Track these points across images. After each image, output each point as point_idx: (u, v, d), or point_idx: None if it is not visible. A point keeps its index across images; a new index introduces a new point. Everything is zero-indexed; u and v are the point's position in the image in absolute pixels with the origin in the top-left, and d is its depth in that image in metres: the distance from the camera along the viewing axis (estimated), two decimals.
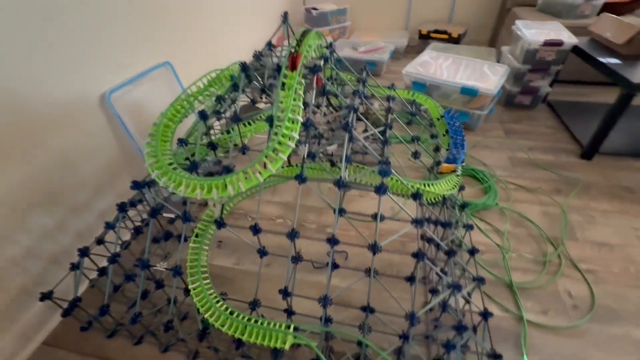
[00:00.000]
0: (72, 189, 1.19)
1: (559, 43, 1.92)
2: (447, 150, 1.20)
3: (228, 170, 0.84)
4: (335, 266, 0.90)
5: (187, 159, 0.97)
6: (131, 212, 1.09)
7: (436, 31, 3.05)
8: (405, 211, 0.85)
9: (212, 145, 1.00)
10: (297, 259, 0.90)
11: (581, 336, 1.06)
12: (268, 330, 0.79)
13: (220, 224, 0.87)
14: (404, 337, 0.77)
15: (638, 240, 1.36)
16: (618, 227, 1.42)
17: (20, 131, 0.99)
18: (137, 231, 1.04)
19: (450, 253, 0.89)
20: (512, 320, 1.11)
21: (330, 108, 1.29)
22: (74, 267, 1.00)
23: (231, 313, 0.85)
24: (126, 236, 1.20)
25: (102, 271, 1.04)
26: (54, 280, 1.04)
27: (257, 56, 1.05)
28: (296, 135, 0.80)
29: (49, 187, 1.10)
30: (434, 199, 1.04)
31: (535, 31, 2.04)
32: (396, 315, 0.87)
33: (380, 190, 0.80)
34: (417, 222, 0.81)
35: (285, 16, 1.04)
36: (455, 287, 0.82)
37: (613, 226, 1.42)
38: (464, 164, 1.16)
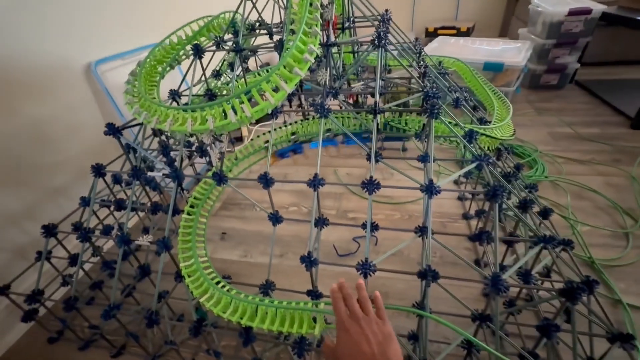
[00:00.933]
0: (48, 169, 1.00)
1: (586, 11, 1.77)
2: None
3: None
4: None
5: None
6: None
7: (443, 27, 2.97)
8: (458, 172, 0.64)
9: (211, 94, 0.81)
10: (322, 221, 0.68)
11: None
12: (289, 310, 0.55)
13: (220, 177, 0.66)
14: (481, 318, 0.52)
15: None
16: None
17: None
18: (119, 205, 0.83)
19: (526, 203, 0.66)
20: (604, 305, 0.84)
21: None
22: (40, 254, 0.79)
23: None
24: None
25: (74, 259, 0.82)
26: (21, 277, 0.82)
27: None
28: (316, 49, 0.61)
29: (17, 163, 0.91)
30: (489, 148, 0.83)
31: (556, 4, 1.91)
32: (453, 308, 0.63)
33: (432, 116, 0.60)
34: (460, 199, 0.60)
35: None
36: (546, 241, 0.59)
37: None
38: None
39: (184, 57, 0.85)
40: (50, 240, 0.81)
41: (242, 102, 0.58)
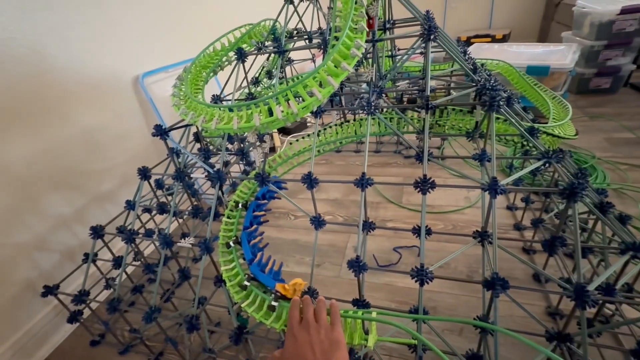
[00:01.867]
0: (97, 175, 1.04)
1: None
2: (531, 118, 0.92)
3: None
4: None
5: None
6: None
7: (477, 36, 2.89)
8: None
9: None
10: (369, 224, 0.63)
11: None
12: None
13: (263, 178, 0.65)
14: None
15: None
16: None
17: (42, 99, 0.88)
18: (162, 209, 0.84)
19: (603, 206, 0.58)
20: None
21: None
22: (87, 256, 0.80)
23: (277, 299, 0.58)
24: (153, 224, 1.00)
25: (118, 262, 0.83)
26: (68, 279, 0.85)
27: None
28: (363, 44, 0.59)
29: (69, 168, 0.96)
30: (550, 147, 0.76)
31: (605, 3, 1.79)
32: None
33: (492, 108, 0.55)
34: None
35: None
36: (637, 249, 0.50)
37: None
38: None
39: (226, 63, 0.86)
40: (97, 243, 0.83)
41: (287, 99, 0.57)
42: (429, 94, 0.59)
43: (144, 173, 0.76)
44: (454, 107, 0.88)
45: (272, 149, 1.85)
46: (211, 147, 1.00)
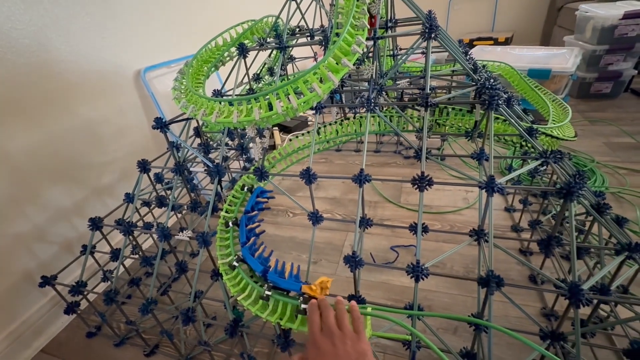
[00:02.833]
0: (97, 168, 1.05)
1: None
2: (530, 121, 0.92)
3: None
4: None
5: None
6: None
7: (480, 38, 2.89)
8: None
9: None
10: (366, 221, 0.64)
11: None
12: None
13: (262, 173, 0.65)
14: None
15: None
16: None
17: (44, 91, 0.88)
18: (161, 202, 0.84)
19: (601, 207, 0.58)
20: None
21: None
22: (85, 248, 0.81)
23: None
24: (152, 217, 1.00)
25: (116, 254, 0.83)
26: (65, 271, 0.85)
27: None
28: (364, 41, 0.60)
29: (70, 160, 0.96)
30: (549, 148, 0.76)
31: (607, 8, 1.80)
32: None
33: (491, 107, 0.55)
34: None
35: None
36: (633, 250, 0.51)
37: None
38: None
39: (228, 58, 0.87)
40: (95, 236, 0.84)
41: (288, 94, 0.57)
42: (428, 91, 0.59)
43: (144, 166, 0.77)
44: (453, 106, 0.88)
45: (273, 147, 1.85)
46: (211, 143, 1.01)
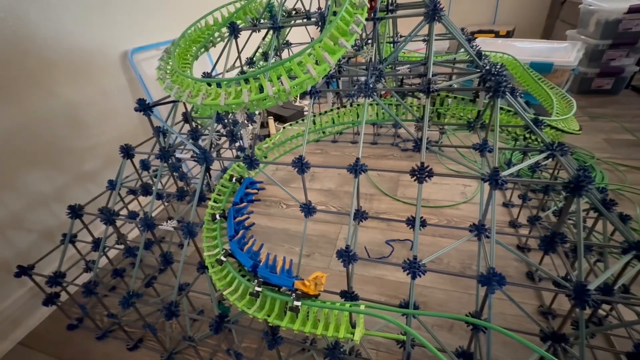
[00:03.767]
0: (79, 153, 0.99)
1: None
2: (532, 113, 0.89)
3: None
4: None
5: None
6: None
7: (481, 31, 2.84)
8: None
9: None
10: (361, 214, 0.60)
11: None
12: (325, 310, 0.48)
13: (252, 161, 0.61)
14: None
15: None
16: None
17: (20, 69, 0.82)
18: (146, 190, 0.80)
19: (607, 203, 0.56)
20: None
21: None
22: (65, 236, 0.76)
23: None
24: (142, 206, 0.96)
25: (98, 244, 0.79)
26: (46, 260, 0.80)
27: None
28: (362, 20, 0.55)
29: (50, 144, 0.91)
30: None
31: (612, 1, 1.76)
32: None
33: (497, 94, 0.51)
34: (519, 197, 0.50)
35: None
36: None
37: None
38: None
39: (218, 39, 0.81)
40: (77, 224, 0.79)
41: (279, 75, 0.53)
42: (430, 76, 0.55)
43: (127, 151, 0.72)
44: (455, 95, 0.85)
45: (268, 136, 1.81)
46: (201, 129, 0.96)
